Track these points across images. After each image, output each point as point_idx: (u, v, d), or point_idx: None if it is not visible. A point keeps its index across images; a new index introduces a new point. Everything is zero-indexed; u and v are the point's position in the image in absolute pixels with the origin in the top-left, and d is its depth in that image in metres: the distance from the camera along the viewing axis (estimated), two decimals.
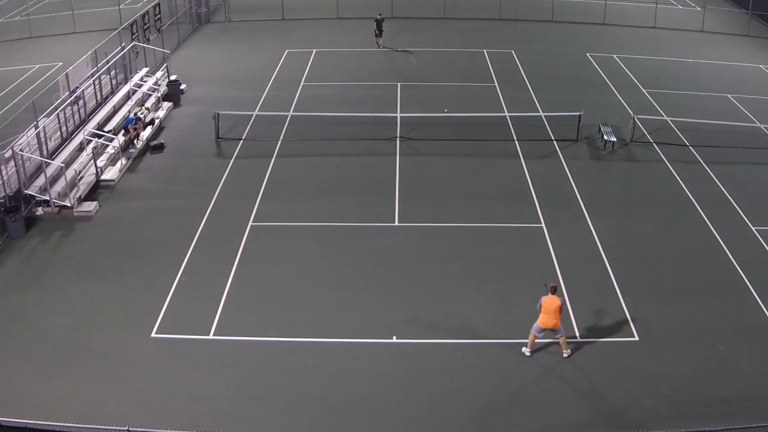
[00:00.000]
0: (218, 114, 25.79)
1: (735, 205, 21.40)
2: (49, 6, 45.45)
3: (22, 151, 20.52)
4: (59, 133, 23.22)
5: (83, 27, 39.23)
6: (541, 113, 27.55)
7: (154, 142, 25.26)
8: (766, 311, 16.76)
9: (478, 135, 25.87)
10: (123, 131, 24.81)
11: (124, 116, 25.92)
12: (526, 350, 15.28)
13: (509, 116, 27.38)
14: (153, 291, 17.29)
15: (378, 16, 36.13)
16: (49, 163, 21.31)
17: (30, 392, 14.18)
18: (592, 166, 24.06)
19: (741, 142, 25.55)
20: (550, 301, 14.73)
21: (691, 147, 25.23)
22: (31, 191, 20.75)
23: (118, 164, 23.45)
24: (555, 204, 21.38)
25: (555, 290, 14.91)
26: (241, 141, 25.50)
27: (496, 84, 31.22)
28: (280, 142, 25.41)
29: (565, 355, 15.21)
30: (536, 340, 15.23)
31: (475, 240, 19.57)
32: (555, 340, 15.38)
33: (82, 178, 22.12)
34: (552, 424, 13.54)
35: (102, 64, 27.25)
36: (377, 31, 35.87)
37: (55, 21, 41.05)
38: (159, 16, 34.42)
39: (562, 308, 14.80)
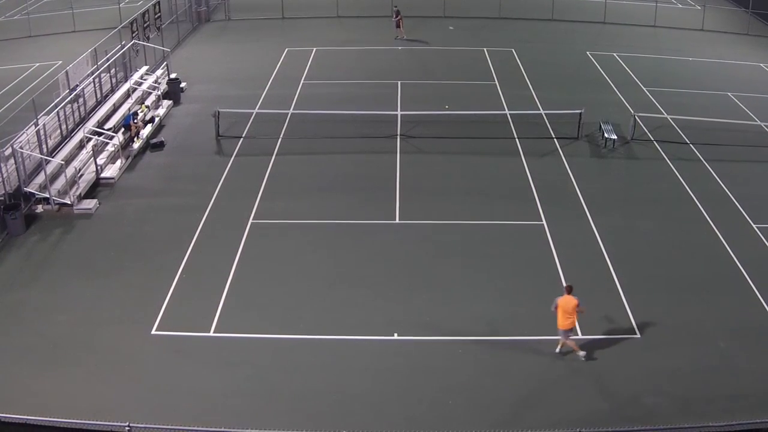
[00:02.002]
0: (218, 112, 25.76)
1: (736, 203, 21.37)
2: (49, 5, 45.42)
3: (22, 149, 20.50)
4: (59, 131, 23.19)
5: (83, 25, 39.21)
6: (542, 111, 27.52)
7: (154, 140, 25.22)
8: (767, 308, 16.75)
9: (479, 133, 25.84)
10: (123, 129, 24.77)
11: (123, 114, 25.88)
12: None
13: (510, 114, 27.35)
14: (153, 288, 17.27)
15: (395, 8, 38.03)
16: (49, 160, 21.27)
17: (30, 389, 14.15)
18: (593, 163, 24.03)
19: (742, 140, 25.53)
20: (566, 301, 14.61)
21: (691, 145, 25.21)
22: (31, 189, 20.70)
23: (118, 162, 23.42)
24: (556, 202, 21.36)
25: (571, 290, 14.77)
26: (242, 139, 25.47)
27: (497, 82, 31.19)
28: (280, 140, 25.38)
29: (581, 355, 15.05)
30: (567, 343, 15.07)
31: (475, 237, 19.55)
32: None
33: (82, 175, 22.10)
34: (554, 421, 13.51)
35: (102, 63, 27.23)
36: (397, 21, 37.54)
37: (54, 19, 41.04)
38: (159, 14, 34.41)
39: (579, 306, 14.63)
